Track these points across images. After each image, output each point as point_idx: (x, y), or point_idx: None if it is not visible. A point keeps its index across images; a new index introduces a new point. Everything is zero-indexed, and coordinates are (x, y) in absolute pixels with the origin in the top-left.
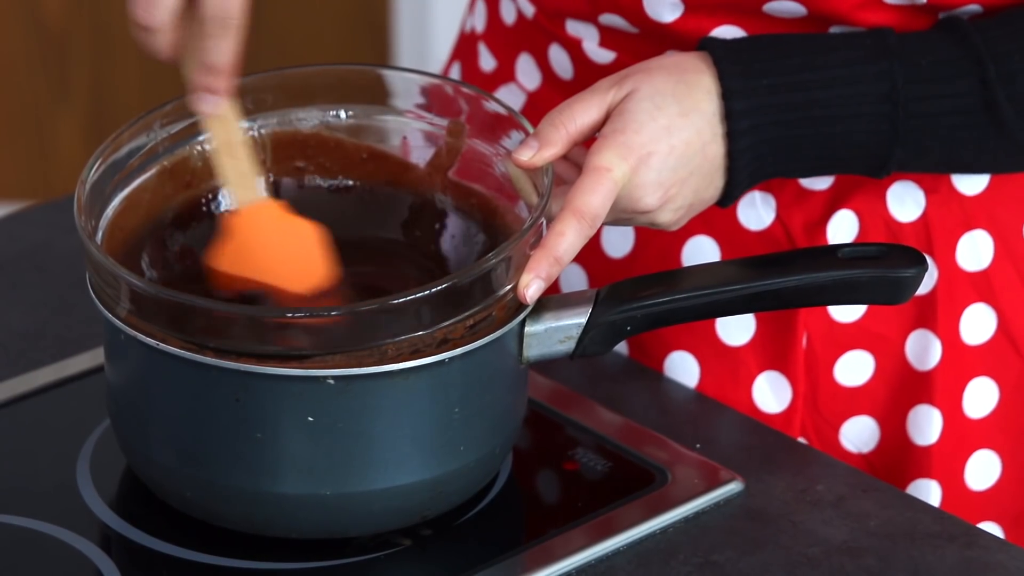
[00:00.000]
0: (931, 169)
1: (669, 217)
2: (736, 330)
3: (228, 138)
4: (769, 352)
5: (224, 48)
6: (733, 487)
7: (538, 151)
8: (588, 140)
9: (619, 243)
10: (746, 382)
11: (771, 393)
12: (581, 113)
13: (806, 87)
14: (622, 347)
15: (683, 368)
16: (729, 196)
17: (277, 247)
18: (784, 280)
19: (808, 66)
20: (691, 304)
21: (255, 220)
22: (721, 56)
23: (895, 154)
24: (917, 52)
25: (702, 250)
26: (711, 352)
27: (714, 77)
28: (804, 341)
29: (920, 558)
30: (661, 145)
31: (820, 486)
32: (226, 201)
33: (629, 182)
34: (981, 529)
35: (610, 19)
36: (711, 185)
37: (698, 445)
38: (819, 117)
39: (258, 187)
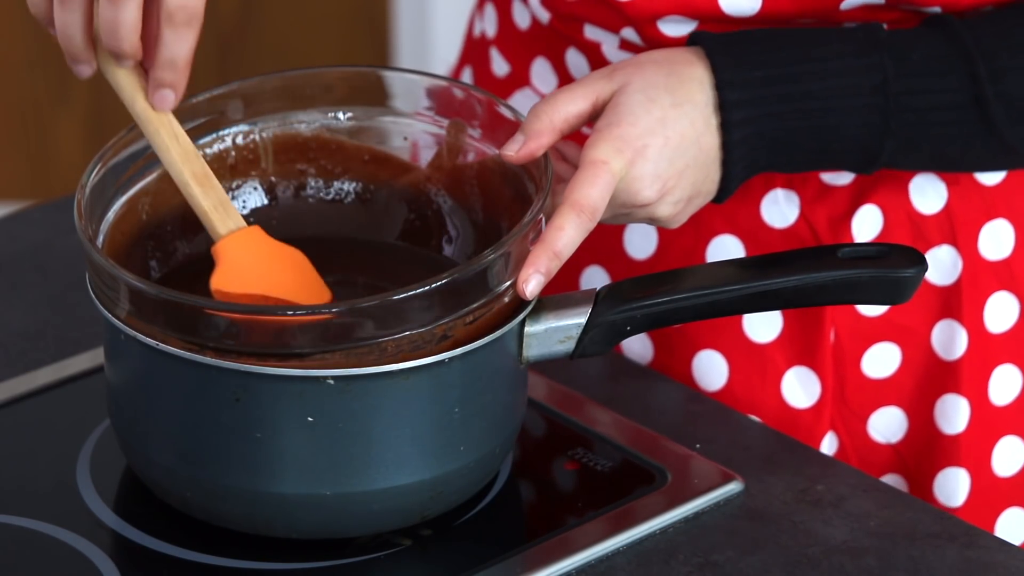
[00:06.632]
0: (920, 166)
1: (669, 210)
2: (763, 327)
3: (195, 169)
4: (797, 348)
5: (186, 42)
6: (733, 487)
7: (524, 144)
8: (580, 135)
9: (642, 244)
10: (775, 379)
11: (800, 388)
12: (565, 103)
13: (799, 79)
14: (647, 348)
15: (711, 367)
16: (725, 190)
17: (273, 265)
18: (784, 280)
19: (801, 58)
20: (691, 304)
21: (244, 242)
22: (713, 48)
23: (885, 147)
24: (908, 46)
25: (727, 249)
26: (739, 350)
27: (707, 68)
28: (832, 336)
29: (920, 558)
30: (656, 137)
31: (820, 486)
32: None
33: (627, 175)
34: (981, 529)
35: (630, 33)
36: (708, 178)
37: (698, 445)
38: (812, 109)
39: (236, 213)
